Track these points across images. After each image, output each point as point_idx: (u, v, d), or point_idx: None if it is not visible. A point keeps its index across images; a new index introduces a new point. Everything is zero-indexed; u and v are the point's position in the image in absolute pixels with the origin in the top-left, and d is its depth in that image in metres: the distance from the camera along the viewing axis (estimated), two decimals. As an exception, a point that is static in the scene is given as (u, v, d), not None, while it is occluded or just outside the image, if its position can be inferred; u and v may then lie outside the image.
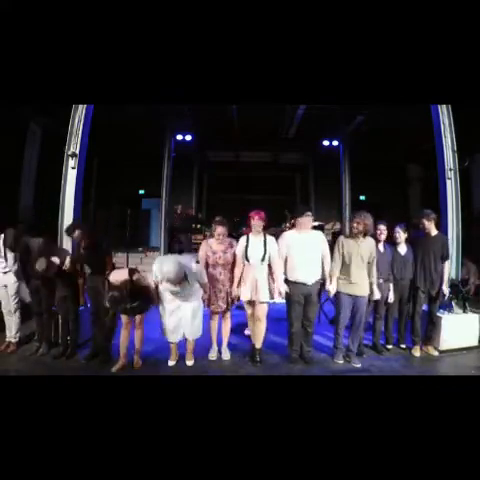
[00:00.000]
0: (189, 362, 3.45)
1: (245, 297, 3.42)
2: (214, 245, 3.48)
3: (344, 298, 3.44)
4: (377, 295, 3.53)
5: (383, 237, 3.71)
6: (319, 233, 3.56)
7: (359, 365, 3.49)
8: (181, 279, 3.02)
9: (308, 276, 3.37)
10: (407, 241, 3.82)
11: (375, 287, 3.51)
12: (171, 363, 3.42)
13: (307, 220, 3.42)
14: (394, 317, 3.91)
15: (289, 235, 3.46)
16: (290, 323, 3.48)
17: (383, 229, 3.71)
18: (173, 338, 3.35)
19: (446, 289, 3.73)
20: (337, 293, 3.47)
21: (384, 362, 3.57)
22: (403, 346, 3.90)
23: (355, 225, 3.44)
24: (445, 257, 3.71)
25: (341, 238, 3.58)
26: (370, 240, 3.50)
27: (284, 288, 3.35)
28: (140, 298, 3.15)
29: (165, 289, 3.19)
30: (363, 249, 3.42)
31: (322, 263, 3.46)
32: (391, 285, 3.74)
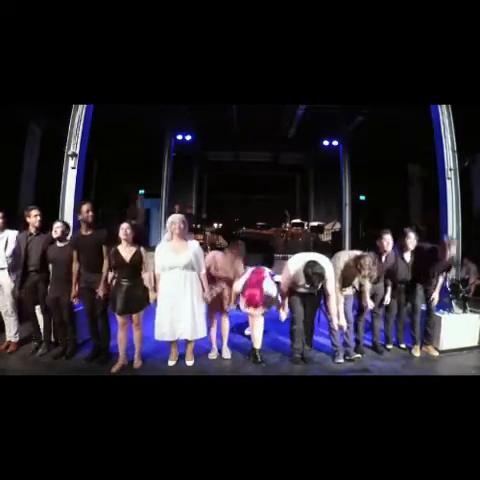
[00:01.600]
0: (189, 362, 3.45)
1: (245, 310, 3.41)
2: (220, 261, 3.48)
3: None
4: (370, 305, 3.61)
5: (389, 248, 3.66)
6: (325, 259, 3.37)
7: (359, 355, 3.56)
8: (183, 231, 3.19)
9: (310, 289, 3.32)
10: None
11: (368, 296, 3.59)
12: (171, 363, 3.42)
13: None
14: (393, 317, 3.92)
15: (294, 264, 3.32)
16: (292, 320, 3.49)
17: (389, 239, 3.65)
18: (169, 336, 3.25)
19: (438, 288, 3.72)
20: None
21: (384, 362, 3.57)
22: (403, 346, 3.90)
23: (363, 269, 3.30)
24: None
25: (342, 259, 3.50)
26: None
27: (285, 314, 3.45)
28: (137, 283, 3.21)
29: (165, 277, 3.21)
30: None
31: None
32: (389, 288, 3.75)
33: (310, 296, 3.43)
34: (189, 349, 3.45)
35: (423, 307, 3.81)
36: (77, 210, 3.42)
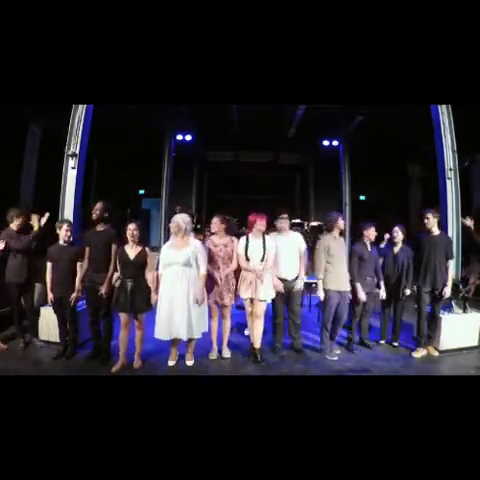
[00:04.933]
0: (189, 362, 3.45)
1: (245, 295, 3.46)
2: (216, 239, 3.57)
3: (333, 294, 3.60)
4: (364, 297, 3.70)
5: (372, 238, 3.84)
6: (297, 234, 3.83)
7: (338, 352, 3.70)
8: (183, 229, 3.22)
9: (289, 273, 3.65)
10: (404, 241, 3.93)
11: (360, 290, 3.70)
12: (171, 363, 3.42)
13: (283, 222, 3.69)
14: (389, 315, 4.02)
15: (273, 236, 3.65)
16: (275, 315, 3.75)
17: (373, 230, 3.84)
18: (165, 335, 3.22)
19: (448, 290, 3.66)
20: (326, 290, 3.62)
21: (384, 362, 3.58)
22: (395, 344, 3.96)
23: (331, 223, 3.70)
24: (449, 257, 3.68)
25: (324, 238, 3.73)
26: (341, 239, 3.77)
27: (281, 286, 3.58)
28: (141, 282, 3.24)
29: (164, 274, 3.23)
30: (341, 246, 3.69)
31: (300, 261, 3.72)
32: (381, 283, 3.83)
33: (292, 291, 3.66)
34: (189, 349, 3.45)
35: (428, 309, 3.80)
36: (92, 208, 3.56)
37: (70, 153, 4.19)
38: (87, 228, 3.69)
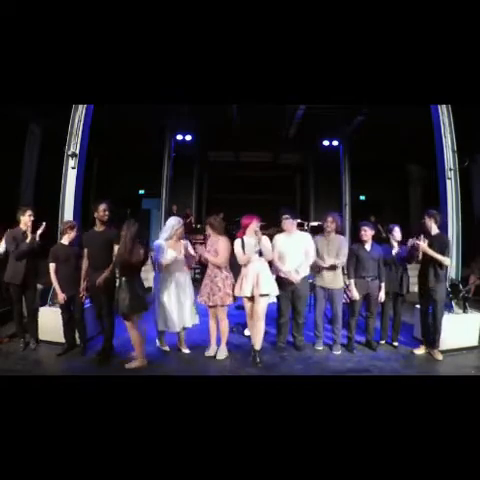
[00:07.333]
0: (186, 350, 3.65)
1: (247, 292, 3.41)
2: (209, 241, 3.68)
3: (319, 290, 3.79)
4: (355, 295, 3.72)
5: (367, 237, 3.79)
6: (305, 234, 3.86)
7: (339, 352, 3.75)
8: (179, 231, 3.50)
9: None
10: (401, 242, 3.95)
11: (352, 285, 3.75)
12: (186, 351, 3.66)
13: (288, 222, 3.69)
14: (389, 315, 4.00)
15: (278, 237, 3.73)
16: (280, 314, 3.79)
17: (367, 229, 3.78)
18: (177, 326, 3.51)
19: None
20: (315, 286, 3.80)
21: (384, 362, 3.58)
22: (395, 344, 3.95)
23: (328, 224, 3.73)
24: (445, 255, 3.60)
25: (316, 237, 3.85)
26: (339, 237, 3.77)
27: (297, 276, 3.58)
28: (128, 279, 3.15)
29: (169, 273, 3.45)
30: (332, 245, 3.71)
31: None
32: (382, 284, 3.79)
33: (297, 291, 3.67)
34: (181, 339, 3.67)
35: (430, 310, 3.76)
36: (94, 208, 3.59)
37: (70, 153, 4.19)
38: (87, 228, 3.69)
